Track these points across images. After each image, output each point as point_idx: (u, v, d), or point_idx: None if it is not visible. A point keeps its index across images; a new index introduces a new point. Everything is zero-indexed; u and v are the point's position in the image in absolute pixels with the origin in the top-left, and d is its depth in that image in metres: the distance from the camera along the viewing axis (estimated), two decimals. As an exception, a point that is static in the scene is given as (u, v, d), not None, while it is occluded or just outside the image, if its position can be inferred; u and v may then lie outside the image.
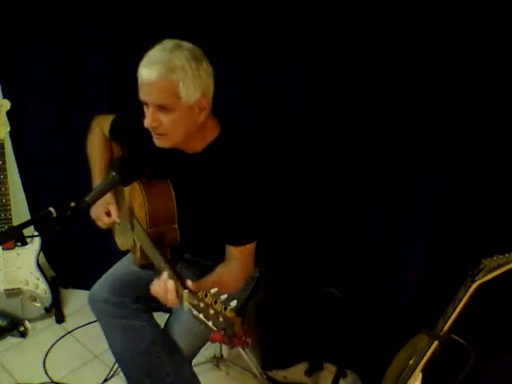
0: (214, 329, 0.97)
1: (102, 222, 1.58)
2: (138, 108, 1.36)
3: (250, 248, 1.45)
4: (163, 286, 1.20)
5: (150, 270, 1.57)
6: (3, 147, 2.11)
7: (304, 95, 1.74)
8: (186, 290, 1.07)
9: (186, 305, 1.06)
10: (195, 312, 1.02)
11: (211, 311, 0.99)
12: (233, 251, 1.44)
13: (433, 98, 1.51)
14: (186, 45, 1.30)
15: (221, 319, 0.97)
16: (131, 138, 1.57)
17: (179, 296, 1.15)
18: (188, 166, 1.46)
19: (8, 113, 2.10)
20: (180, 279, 1.18)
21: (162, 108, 1.28)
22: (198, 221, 1.50)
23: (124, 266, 1.71)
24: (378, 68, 1.58)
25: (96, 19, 1.94)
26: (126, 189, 1.61)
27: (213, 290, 1.03)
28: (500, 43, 1.36)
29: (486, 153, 1.49)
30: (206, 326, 0.99)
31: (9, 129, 2.12)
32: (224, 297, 1.00)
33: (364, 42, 1.56)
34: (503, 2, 1.32)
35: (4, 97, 2.18)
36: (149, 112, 1.30)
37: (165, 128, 1.31)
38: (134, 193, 1.53)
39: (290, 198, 1.87)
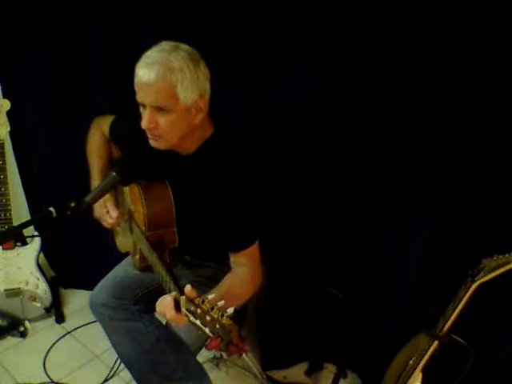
0: (211, 335, 0.96)
1: (106, 221, 1.59)
2: (136, 109, 1.36)
3: (253, 251, 1.41)
4: (162, 304, 1.18)
5: (149, 272, 1.57)
6: (3, 147, 2.11)
7: (304, 96, 1.73)
8: (183, 296, 1.06)
9: (184, 311, 1.05)
10: (192, 318, 1.01)
11: (208, 318, 0.97)
12: (237, 258, 1.41)
13: (433, 99, 1.51)
14: (184, 46, 1.30)
15: (217, 326, 0.95)
16: (129, 139, 1.57)
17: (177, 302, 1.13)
18: (182, 167, 1.46)
19: (8, 113, 2.10)
20: (178, 285, 1.17)
21: (159, 109, 1.28)
22: (195, 222, 1.49)
23: (123, 269, 1.71)
24: (377, 71, 1.58)
25: (95, 19, 1.93)
26: (126, 191, 1.61)
27: (210, 297, 1.01)
28: (501, 43, 1.36)
29: (486, 153, 1.49)
30: (203, 332, 0.97)
31: (9, 129, 2.12)
32: (221, 303, 0.98)
33: (365, 46, 1.56)
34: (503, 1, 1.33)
35: (4, 97, 2.18)
36: (146, 113, 1.29)
37: (161, 129, 1.31)
38: (133, 196, 1.53)
39: (290, 198, 1.87)
